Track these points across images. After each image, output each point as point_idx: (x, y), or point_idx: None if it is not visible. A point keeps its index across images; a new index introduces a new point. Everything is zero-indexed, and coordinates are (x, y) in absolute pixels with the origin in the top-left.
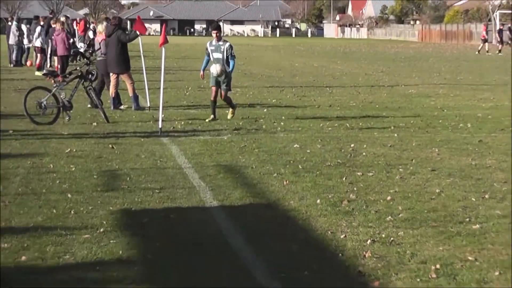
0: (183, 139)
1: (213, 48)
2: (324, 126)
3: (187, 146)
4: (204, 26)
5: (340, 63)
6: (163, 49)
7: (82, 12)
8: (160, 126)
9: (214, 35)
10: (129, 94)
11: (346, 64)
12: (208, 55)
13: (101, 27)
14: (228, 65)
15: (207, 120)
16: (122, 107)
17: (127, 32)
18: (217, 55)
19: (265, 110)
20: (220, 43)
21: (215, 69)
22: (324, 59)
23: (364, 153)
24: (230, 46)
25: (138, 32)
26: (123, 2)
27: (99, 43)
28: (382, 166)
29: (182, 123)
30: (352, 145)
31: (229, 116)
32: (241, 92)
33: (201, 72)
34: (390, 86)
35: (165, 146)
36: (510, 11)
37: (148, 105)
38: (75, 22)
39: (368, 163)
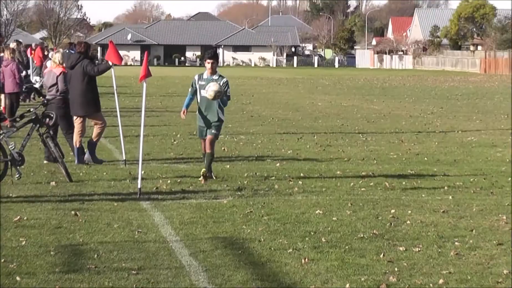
0: (169, 203)
1: (203, 83)
2: (355, 186)
3: (175, 213)
4: (199, 53)
5: (376, 102)
6: (144, 84)
7: (38, 36)
8: (139, 186)
9: (208, 65)
10: (92, 137)
11: (384, 103)
12: (194, 93)
13: (58, 57)
14: (221, 109)
15: (200, 178)
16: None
17: (96, 62)
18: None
19: (277, 164)
20: (215, 77)
21: (209, 90)
22: (356, 96)
23: (408, 222)
24: (227, 84)
25: (110, 63)
26: (92, 23)
27: (56, 78)
28: (432, 239)
29: (168, 181)
30: (392, 211)
31: (200, 179)
32: (246, 141)
33: (183, 109)
34: (443, 132)
35: (145, 212)
36: None
37: (124, 158)
38: (29, 49)
39: (413, 235)
